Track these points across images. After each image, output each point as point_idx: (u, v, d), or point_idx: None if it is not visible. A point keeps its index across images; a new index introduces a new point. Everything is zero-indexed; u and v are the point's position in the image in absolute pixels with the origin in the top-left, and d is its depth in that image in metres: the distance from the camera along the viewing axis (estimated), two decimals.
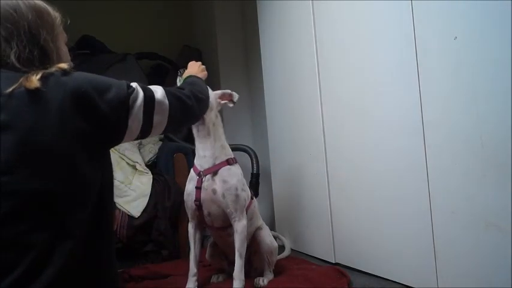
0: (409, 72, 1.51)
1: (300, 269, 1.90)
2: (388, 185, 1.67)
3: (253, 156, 2.65)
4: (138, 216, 2.33)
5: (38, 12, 1.03)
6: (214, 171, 1.67)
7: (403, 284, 1.62)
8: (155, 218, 2.43)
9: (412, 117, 1.52)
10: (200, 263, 1.79)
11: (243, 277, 1.64)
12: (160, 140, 2.87)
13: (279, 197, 2.54)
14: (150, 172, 2.56)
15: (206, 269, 2.01)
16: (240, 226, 1.65)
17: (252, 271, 1.85)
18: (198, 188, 1.67)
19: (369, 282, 1.73)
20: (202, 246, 1.81)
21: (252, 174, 2.61)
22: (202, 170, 1.68)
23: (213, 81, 3.22)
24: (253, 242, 1.82)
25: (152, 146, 2.79)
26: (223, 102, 1.80)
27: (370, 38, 1.71)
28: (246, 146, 2.75)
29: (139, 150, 2.73)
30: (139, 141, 2.78)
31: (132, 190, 2.40)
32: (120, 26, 3.40)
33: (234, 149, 2.72)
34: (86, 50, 3.02)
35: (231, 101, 1.82)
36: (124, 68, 3.00)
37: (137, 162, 2.54)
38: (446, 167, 1.40)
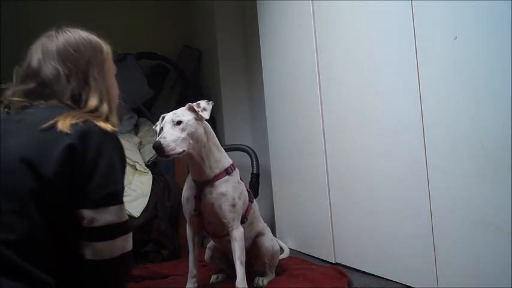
0: (409, 72, 1.51)
1: (300, 269, 1.90)
2: (388, 185, 1.67)
3: (253, 156, 2.65)
4: (138, 216, 2.33)
5: (93, 51, 1.13)
6: (212, 183, 1.64)
7: (403, 284, 1.62)
8: (155, 218, 2.43)
9: (412, 117, 1.52)
10: (200, 263, 1.79)
11: (245, 285, 1.61)
12: None
13: (279, 197, 2.54)
14: (150, 172, 2.56)
15: (206, 268, 2.01)
16: (237, 234, 1.63)
17: (252, 272, 1.85)
18: (198, 198, 1.65)
19: (369, 282, 1.73)
20: (202, 245, 1.81)
21: (252, 174, 2.61)
22: (201, 180, 1.65)
23: (213, 81, 3.22)
24: (254, 246, 1.81)
25: None
26: (196, 116, 1.58)
27: (370, 37, 1.71)
28: (246, 146, 2.75)
29: (139, 150, 2.73)
30: (139, 141, 2.78)
31: (132, 190, 2.40)
32: (120, 26, 3.40)
33: (234, 149, 2.74)
34: None
35: (197, 112, 1.58)
36: (124, 68, 3.00)
37: (137, 162, 2.54)
38: (446, 167, 1.40)
